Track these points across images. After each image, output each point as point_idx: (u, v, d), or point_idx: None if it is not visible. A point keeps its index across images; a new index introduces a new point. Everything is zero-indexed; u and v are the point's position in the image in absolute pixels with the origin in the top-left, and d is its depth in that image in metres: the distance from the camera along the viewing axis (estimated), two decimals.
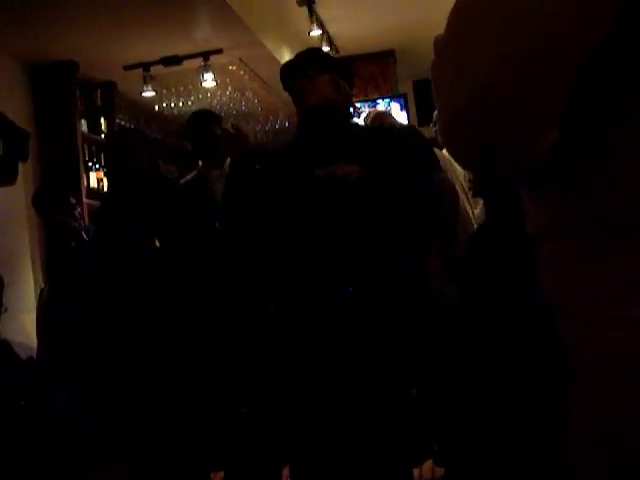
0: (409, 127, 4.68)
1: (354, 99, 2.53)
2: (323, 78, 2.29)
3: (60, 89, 4.81)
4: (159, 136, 6.10)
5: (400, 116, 6.13)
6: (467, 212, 3.35)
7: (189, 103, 5.52)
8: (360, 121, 3.82)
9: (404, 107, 6.33)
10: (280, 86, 2.47)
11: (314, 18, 5.31)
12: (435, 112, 3.11)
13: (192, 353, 2.95)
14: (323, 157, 2.29)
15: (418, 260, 2.41)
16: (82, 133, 4.95)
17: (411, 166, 2.32)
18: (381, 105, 6.19)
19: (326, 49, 5.50)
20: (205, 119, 3.28)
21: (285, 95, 2.50)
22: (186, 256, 3.07)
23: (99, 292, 3.07)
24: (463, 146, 0.66)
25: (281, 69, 2.42)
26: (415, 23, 5.48)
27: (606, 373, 0.64)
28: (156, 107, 5.62)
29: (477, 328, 2.29)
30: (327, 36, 5.72)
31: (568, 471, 0.70)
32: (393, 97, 6.40)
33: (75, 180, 4.72)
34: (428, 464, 3.20)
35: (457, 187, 3.30)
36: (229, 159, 3.25)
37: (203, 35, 4.75)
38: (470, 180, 3.08)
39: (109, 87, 5.36)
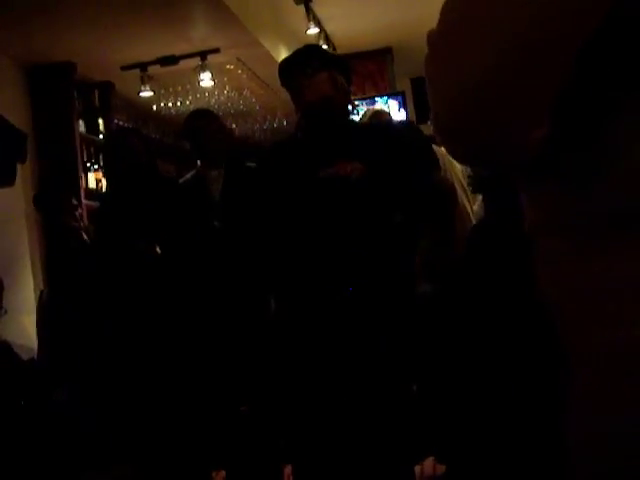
0: (407, 122, 4.67)
1: (352, 97, 2.52)
2: (321, 75, 2.29)
3: (58, 90, 4.80)
4: (157, 136, 6.10)
5: (398, 114, 6.13)
6: (466, 209, 3.35)
7: (187, 103, 5.52)
8: (357, 118, 3.80)
9: (402, 105, 6.32)
10: (278, 85, 2.47)
11: (311, 16, 5.30)
12: None
13: (192, 352, 2.95)
14: (323, 154, 2.29)
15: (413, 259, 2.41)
16: (80, 134, 4.94)
17: (411, 164, 2.32)
18: (379, 103, 6.19)
19: (323, 47, 5.50)
20: (203, 118, 3.28)
21: (283, 94, 2.50)
22: (185, 255, 3.07)
23: (99, 293, 3.07)
24: (457, 141, 0.66)
25: (279, 66, 2.42)
26: (412, 20, 5.46)
27: (602, 372, 0.64)
28: (154, 107, 5.61)
29: (476, 325, 2.29)
30: (324, 34, 5.71)
31: (568, 470, 0.70)
32: (391, 95, 6.40)
33: (73, 181, 4.71)
34: (429, 461, 3.20)
35: (456, 184, 3.31)
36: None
37: (200, 34, 4.75)
38: (469, 177, 3.08)
39: (107, 87, 5.35)
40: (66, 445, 2.85)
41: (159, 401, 2.94)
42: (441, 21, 0.63)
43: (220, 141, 3.17)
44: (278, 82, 2.45)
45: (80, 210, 3.95)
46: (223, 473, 3.24)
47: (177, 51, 4.94)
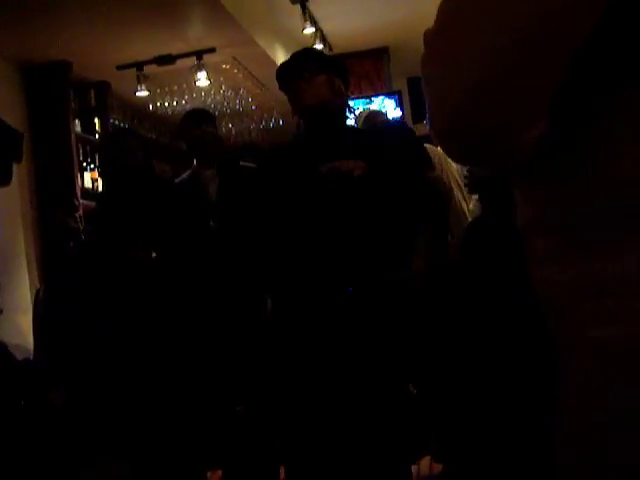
0: (400, 123, 4.67)
1: (349, 96, 2.53)
2: (319, 79, 2.30)
3: (53, 89, 4.80)
4: (153, 135, 6.09)
5: (395, 113, 6.13)
6: (462, 208, 3.36)
7: (183, 102, 5.51)
8: (352, 120, 3.81)
9: (398, 104, 6.33)
10: (274, 84, 2.47)
11: (307, 16, 5.30)
12: None
13: (188, 351, 2.95)
14: (321, 157, 2.29)
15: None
16: (76, 133, 4.94)
17: (405, 164, 2.33)
18: (375, 103, 6.19)
19: (319, 47, 5.49)
20: (199, 118, 3.28)
21: (279, 93, 2.51)
22: (181, 255, 3.07)
23: (96, 292, 3.06)
24: (453, 140, 0.66)
25: (277, 70, 2.42)
26: (408, 20, 5.47)
27: (599, 369, 0.64)
28: (150, 106, 5.61)
29: (472, 323, 2.30)
30: (320, 34, 5.71)
31: (561, 467, 0.70)
32: (387, 94, 6.40)
33: (69, 180, 4.71)
34: (426, 460, 3.21)
35: (452, 183, 3.31)
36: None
37: (196, 34, 4.74)
38: (465, 176, 3.09)
39: (103, 87, 5.35)
40: (62, 444, 2.85)
41: (155, 401, 2.93)
42: (438, 20, 0.63)
43: (213, 143, 3.17)
44: (274, 82, 2.45)
45: (80, 211, 3.96)
46: (219, 473, 3.24)
47: (173, 50, 4.93)
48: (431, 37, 0.65)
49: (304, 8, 5.24)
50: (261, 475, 3.01)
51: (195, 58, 5.01)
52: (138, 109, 5.80)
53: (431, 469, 3.23)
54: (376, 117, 3.67)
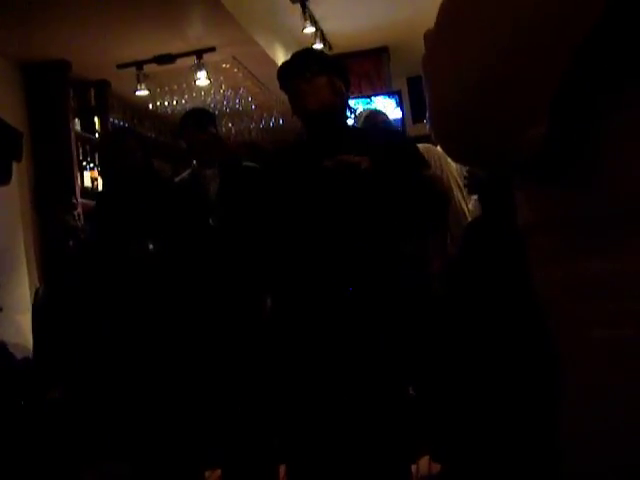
0: (394, 128, 4.65)
1: (349, 96, 2.53)
2: (320, 80, 2.29)
3: (53, 88, 4.79)
4: (153, 135, 6.09)
5: (394, 113, 6.13)
6: (462, 208, 3.36)
7: (183, 101, 5.51)
8: (352, 120, 3.81)
9: (398, 104, 6.33)
10: (274, 84, 2.48)
11: (307, 15, 5.30)
12: None
13: (188, 350, 2.95)
14: (324, 158, 2.30)
15: (414, 257, 2.42)
16: (76, 132, 4.93)
17: (404, 162, 2.33)
18: (375, 103, 6.19)
19: (319, 46, 5.49)
20: (199, 117, 3.28)
21: (279, 93, 2.51)
22: (181, 254, 3.07)
23: (96, 292, 3.06)
24: (454, 140, 0.66)
25: (278, 70, 2.42)
26: (409, 20, 5.47)
27: (600, 371, 0.64)
28: (150, 106, 5.61)
29: (472, 323, 2.30)
30: (320, 33, 5.71)
31: (562, 467, 0.70)
32: (387, 94, 6.40)
33: (69, 179, 4.70)
34: (425, 460, 3.21)
35: (452, 183, 3.31)
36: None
37: (196, 33, 4.74)
38: (465, 177, 3.09)
39: (102, 86, 5.35)
40: (62, 444, 2.85)
41: (154, 400, 2.93)
42: (438, 20, 0.63)
43: (210, 143, 3.17)
44: (274, 81, 2.45)
45: (78, 209, 3.95)
46: (218, 472, 3.24)
47: (173, 50, 4.93)
48: (431, 37, 0.65)
49: (304, 7, 5.23)
50: (260, 475, 3.02)
51: (195, 57, 5.01)
52: (138, 108, 5.80)
53: (430, 469, 3.23)
54: (376, 117, 3.67)
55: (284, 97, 2.45)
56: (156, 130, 6.19)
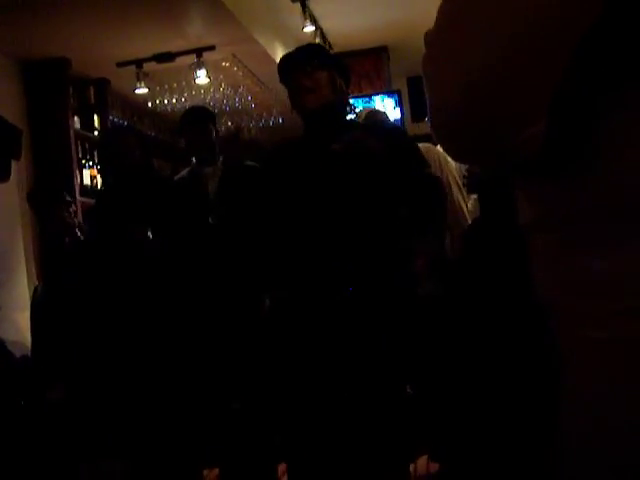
0: (395, 126, 4.67)
1: (348, 95, 2.53)
2: (321, 75, 2.29)
3: (53, 86, 4.79)
4: (152, 133, 6.09)
5: (394, 112, 6.13)
6: (461, 208, 3.36)
7: (182, 100, 5.51)
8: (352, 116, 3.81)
9: (398, 103, 6.33)
10: (274, 82, 2.47)
11: (307, 14, 5.30)
12: None
13: (186, 348, 2.95)
14: (323, 155, 2.29)
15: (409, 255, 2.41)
16: (75, 130, 4.93)
17: (405, 159, 2.32)
18: (375, 102, 6.19)
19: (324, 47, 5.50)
20: (198, 116, 3.28)
21: (279, 92, 2.50)
22: (180, 252, 3.07)
23: (94, 290, 3.06)
24: (454, 139, 0.66)
25: (279, 62, 2.41)
26: (408, 19, 5.47)
27: (600, 367, 0.64)
28: (149, 104, 5.60)
29: (473, 324, 2.30)
30: (320, 32, 5.71)
31: (561, 466, 0.70)
32: (387, 93, 6.40)
33: (68, 178, 4.70)
34: (423, 460, 3.21)
35: (451, 182, 3.32)
36: (223, 155, 3.26)
37: (196, 31, 4.74)
38: (464, 176, 3.09)
39: (102, 84, 5.34)
40: (61, 442, 2.85)
41: (152, 398, 2.93)
42: (438, 20, 0.64)
43: (208, 141, 3.17)
44: (274, 80, 2.44)
45: (74, 206, 3.95)
46: (216, 471, 3.24)
47: (173, 48, 4.93)
48: (431, 37, 0.65)
49: (304, 6, 5.23)
50: (257, 473, 3.02)
51: (195, 56, 5.00)
52: (137, 106, 5.80)
53: (428, 468, 3.23)
54: (376, 115, 3.68)
55: (284, 96, 2.44)
56: (156, 128, 6.19)
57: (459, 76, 0.61)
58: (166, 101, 5.54)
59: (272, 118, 6.20)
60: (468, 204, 3.44)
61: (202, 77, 5.12)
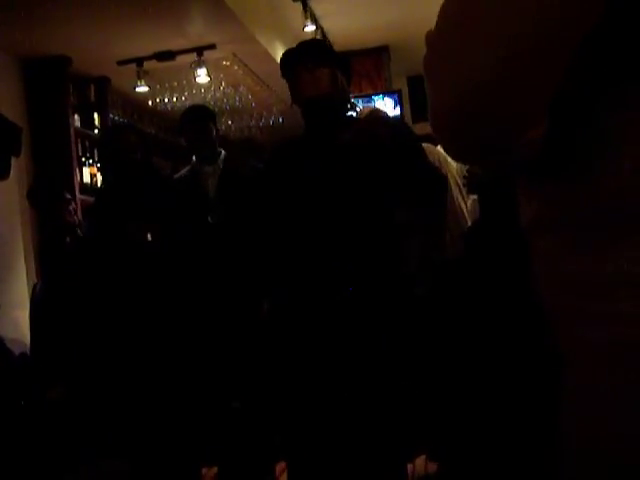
0: (399, 120, 4.66)
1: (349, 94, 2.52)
2: (322, 71, 2.28)
3: (53, 84, 4.79)
4: (153, 131, 6.08)
5: (394, 112, 6.13)
6: (461, 208, 3.36)
7: (183, 98, 5.50)
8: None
9: (398, 103, 6.33)
10: (274, 81, 2.47)
11: (308, 13, 5.30)
12: None
13: (185, 347, 2.95)
14: (322, 151, 2.29)
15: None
16: (75, 128, 4.93)
17: (406, 154, 2.32)
18: (375, 102, 6.19)
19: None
20: (199, 114, 3.28)
21: (279, 91, 2.50)
22: (179, 251, 3.07)
23: (94, 289, 3.06)
24: (455, 139, 0.66)
25: (282, 57, 2.41)
26: (409, 19, 5.47)
27: (593, 370, 0.65)
28: (150, 102, 5.60)
29: (473, 324, 2.30)
30: (321, 31, 5.70)
31: (561, 469, 0.70)
32: (387, 93, 6.40)
33: (68, 175, 4.70)
34: (421, 459, 3.21)
35: (451, 183, 3.32)
36: (222, 154, 3.26)
37: (196, 30, 4.74)
38: (465, 177, 3.09)
39: (102, 82, 5.34)
40: (60, 441, 2.85)
41: (151, 397, 2.93)
42: (439, 21, 0.64)
43: (208, 140, 3.17)
44: (274, 79, 2.44)
45: (74, 205, 3.95)
46: (215, 470, 3.24)
47: (173, 46, 4.93)
48: (433, 38, 0.65)
49: (305, 6, 5.23)
50: (256, 472, 3.02)
51: (195, 54, 5.00)
52: (138, 105, 5.79)
53: (426, 468, 3.23)
54: (377, 114, 3.66)
55: (284, 95, 2.44)
56: (156, 127, 6.18)
57: (460, 76, 0.61)
58: (166, 99, 5.54)
59: (272, 117, 6.20)
60: (467, 204, 3.44)
61: (202, 76, 5.12)
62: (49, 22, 4.24)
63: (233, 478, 3.05)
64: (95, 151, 5.09)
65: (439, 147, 3.22)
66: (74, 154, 4.82)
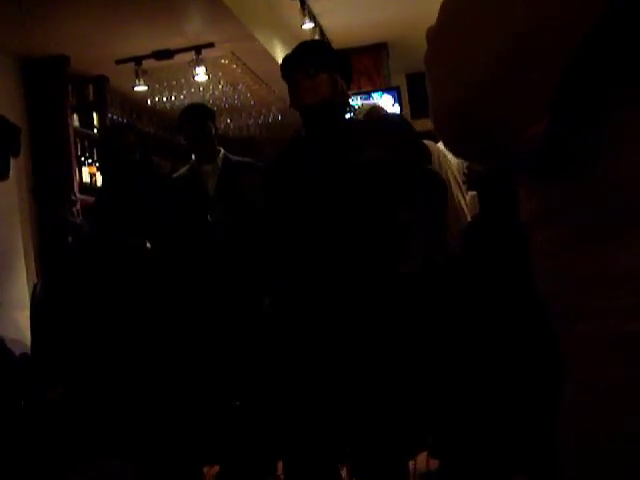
0: (399, 117, 4.67)
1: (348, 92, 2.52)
2: (322, 77, 2.28)
3: (52, 84, 4.78)
4: (151, 130, 6.08)
5: (393, 109, 6.14)
6: (460, 205, 3.36)
7: (181, 97, 5.50)
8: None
9: (397, 100, 6.33)
10: (272, 80, 2.47)
11: (306, 11, 5.30)
12: None
13: (185, 346, 2.95)
14: (322, 155, 2.29)
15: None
16: (74, 128, 4.93)
17: (405, 154, 2.33)
18: (374, 98, 6.19)
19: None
20: (198, 113, 3.28)
21: (278, 89, 2.50)
22: (179, 250, 3.07)
23: (94, 288, 3.06)
24: (456, 136, 0.66)
25: (282, 61, 2.41)
26: (408, 16, 5.47)
27: (594, 365, 0.65)
28: (148, 101, 5.59)
29: (473, 320, 2.30)
30: (319, 29, 5.70)
31: (561, 467, 0.70)
32: (386, 90, 6.40)
33: (67, 175, 4.70)
34: (423, 456, 3.21)
35: (451, 179, 3.32)
36: (222, 153, 3.26)
37: (195, 29, 4.73)
38: (464, 173, 3.09)
39: (101, 81, 5.34)
40: (61, 441, 2.85)
41: (152, 396, 2.93)
42: (440, 18, 0.64)
43: (207, 139, 3.17)
44: (273, 77, 2.44)
45: (77, 206, 3.95)
46: (216, 468, 3.25)
47: (172, 45, 4.92)
48: (433, 35, 0.65)
49: (303, 3, 5.23)
50: (258, 471, 3.02)
51: (194, 53, 5.00)
52: (136, 104, 5.79)
53: (428, 465, 3.23)
54: (377, 111, 3.67)
55: (282, 93, 2.44)
56: (154, 126, 6.18)
57: (460, 74, 0.61)
58: (165, 98, 5.53)
59: (271, 115, 6.20)
60: (467, 201, 3.43)
61: (201, 74, 5.12)
62: (47, 22, 4.24)
63: (235, 477, 3.06)
64: (94, 151, 5.09)
65: (439, 144, 3.22)
66: (73, 154, 4.82)
